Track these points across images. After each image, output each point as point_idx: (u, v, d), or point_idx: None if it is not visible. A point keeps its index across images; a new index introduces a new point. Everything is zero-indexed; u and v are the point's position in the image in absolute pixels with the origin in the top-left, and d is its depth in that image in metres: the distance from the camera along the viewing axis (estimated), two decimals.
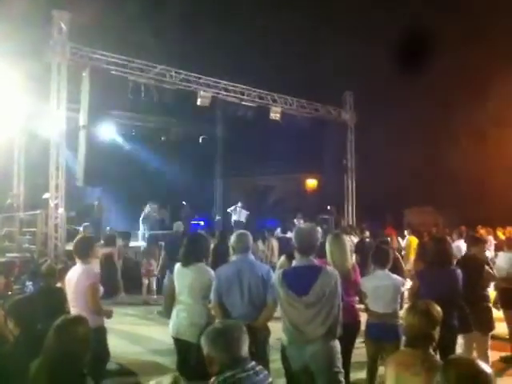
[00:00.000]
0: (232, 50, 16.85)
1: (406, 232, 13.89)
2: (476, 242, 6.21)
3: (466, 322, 5.12)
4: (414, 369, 2.86)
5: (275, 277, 4.10)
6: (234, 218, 18.26)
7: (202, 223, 17.99)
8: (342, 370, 3.91)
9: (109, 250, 11.80)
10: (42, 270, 6.59)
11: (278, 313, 4.20)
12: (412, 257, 12.10)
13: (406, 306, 5.49)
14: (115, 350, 6.40)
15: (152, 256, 11.75)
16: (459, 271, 5.07)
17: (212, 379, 2.66)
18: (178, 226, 11.28)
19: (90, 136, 12.36)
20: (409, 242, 12.87)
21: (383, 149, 20.58)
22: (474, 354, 5.62)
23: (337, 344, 3.86)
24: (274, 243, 12.28)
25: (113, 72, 12.90)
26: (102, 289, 5.17)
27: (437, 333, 3.05)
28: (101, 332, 4.82)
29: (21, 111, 13.80)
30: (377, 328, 4.97)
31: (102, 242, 11.79)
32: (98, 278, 5.08)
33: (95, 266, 5.27)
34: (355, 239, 11.71)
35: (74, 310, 4.82)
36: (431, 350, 3.01)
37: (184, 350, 4.74)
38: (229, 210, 18.92)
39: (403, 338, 4.56)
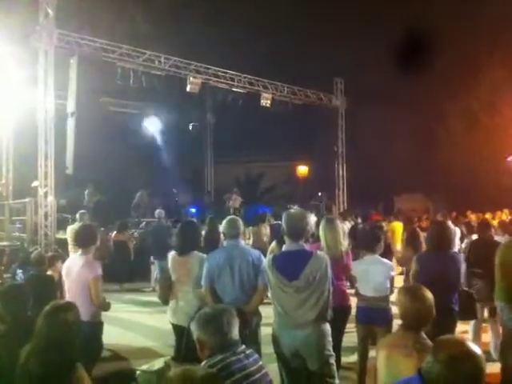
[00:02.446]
0: (222, 35, 16.72)
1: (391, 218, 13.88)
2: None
3: (469, 309, 5.18)
4: (405, 350, 2.87)
5: (266, 261, 4.10)
6: (228, 204, 18.28)
7: (193, 210, 17.94)
8: (333, 353, 3.93)
9: (122, 237, 11.76)
10: (31, 258, 6.56)
11: (268, 298, 4.22)
12: (397, 242, 12.11)
13: (397, 290, 5.59)
14: (108, 336, 6.42)
15: None
16: (460, 255, 5.13)
17: (202, 363, 2.66)
18: (160, 213, 11.43)
19: (78, 123, 12.25)
20: (393, 227, 12.62)
21: (374, 135, 20.62)
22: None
23: (327, 328, 3.87)
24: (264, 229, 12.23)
25: (101, 58, 12.75)
26: None
27: (433, 316, 3.06)
28: (98, 326, 4.80)
29: (8, 99, 13.64)
30: (367, 311, 5.00)
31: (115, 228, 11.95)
32: (101, 270, 4.91)
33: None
34: (350, 225, 11.75)
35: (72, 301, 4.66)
36: (423, 333, 3.02)
37: (181, 335, 4.74)
38: (224, 197, 18.93)
39: (394, 322, 4.62)
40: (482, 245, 6.37)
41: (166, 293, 5.05)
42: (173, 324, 4.97)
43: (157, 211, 11.67)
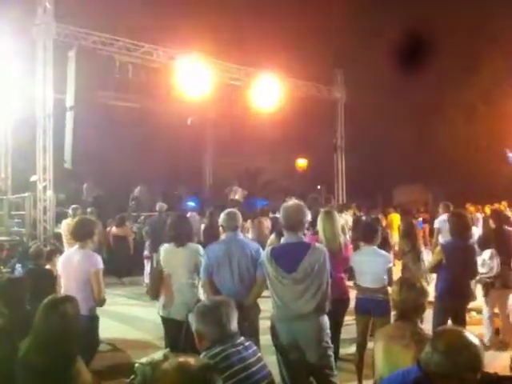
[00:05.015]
0: (219, 27, 16.65)
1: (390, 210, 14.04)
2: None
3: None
4: (403, 341, 2.88)
5: (264, 254, 4.10)
6: (230, 197, 18.25)
7: (192, 204, 17.89)
8: (331, 345, 3.95)
9: (121, 231, 11.73)
10: (30, 252, 6.56)
11: (267, 292, 4.22)
12: (395, 234, 12.23)
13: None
14: (107, 329, 6.44)
15: None
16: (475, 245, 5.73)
17: (201, 355, 2.66)
18: (161, 206, 11.33)
19: (77, 117, 12.23)
20: (391, 219, 12.90)
21: (373, 128, 20.58)
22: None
23: (326, 319, 3.88)
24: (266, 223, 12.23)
25: (99, 51, 12.71)
26: None
27: (426, 305, 3.10)
28: (95, 320, 4.76)
29: (7, 93, 13.59)
30: (365, 302, 5.02)
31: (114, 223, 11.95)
32: (102, 263, 4.86)
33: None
34: (348, 217, 11.82)
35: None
36: (420, 323, 3.04)
37: (175, 329, 4.73)
38: (226, 191, 18.91)
39: (392, 313, 4.64)
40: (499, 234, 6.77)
41: (158, 286, 4.98)
42: (164, 318, 4.90)
43: (158, 204, 11.57)
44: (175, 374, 1.82)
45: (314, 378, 4.01)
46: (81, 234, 4.93)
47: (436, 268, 5.44)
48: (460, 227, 5.45)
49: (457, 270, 5.17)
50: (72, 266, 4.76)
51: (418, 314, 3.05)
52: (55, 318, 3.06)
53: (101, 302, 4.77)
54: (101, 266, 4.79)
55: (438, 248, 5.57)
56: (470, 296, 5.52)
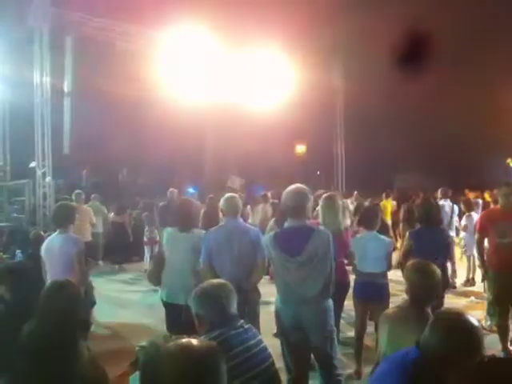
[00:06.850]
0: (219, 13, 16.52)
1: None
2: None
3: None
4: (408, 325, 2.86)
5: (267, 239, 4.08)
6: (228, 184, 18.41)
7: (192, 190, 17.90)
8: (335, 329, 3.95)
9: (120, 219, 11.82)
10: (30, 237, 6.58)
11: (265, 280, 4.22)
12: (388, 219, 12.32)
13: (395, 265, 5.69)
14: (106, 315, 6.47)
15: (153, 223, 11.35)
16: (447, 231, 5.60)
17: (201, 338, 2.66)
18: (172, 193, 11.38)
19: (75, 103, 12.20)
20: (383, 206, 12.93)
21: (373, 114, 20.51)
22: None
23: (330, 303, 3.87)
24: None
25: (98, 37, 12.61)
26: None
27: (439, 291, 3.10)
28: (86, 303, 4.76)
29: (3, 79, 13.52)
30: (364, 287, 5.03)
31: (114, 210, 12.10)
32: (84, 245, 4.90)
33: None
34: (350, 203, 11.91)
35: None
36: (428, 309, 3.01)
37: (176, 313, 4.71)
38: (225, 179, 19.02)
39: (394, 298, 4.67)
40: None
41: (159, 271, 4.95)
42: (166, 302, 4.87)
43: (169, 190, 11.67)
44: (180, 355, 1.81)
45: (316, 361, 4.00)
46: (61, 219, 4.94)
47: (407, 256, 5.22)
48: (423, 214, 5.43)
49: (423, 256, 4.99)
50: (55, 251, 4.78)
51: (430, 300, 3.03)
52: (58, 301, 3.06)
53: (85, 282, 4.74)
54: (82, 247, 4.81)
55: (407, 236, 5.55)
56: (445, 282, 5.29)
